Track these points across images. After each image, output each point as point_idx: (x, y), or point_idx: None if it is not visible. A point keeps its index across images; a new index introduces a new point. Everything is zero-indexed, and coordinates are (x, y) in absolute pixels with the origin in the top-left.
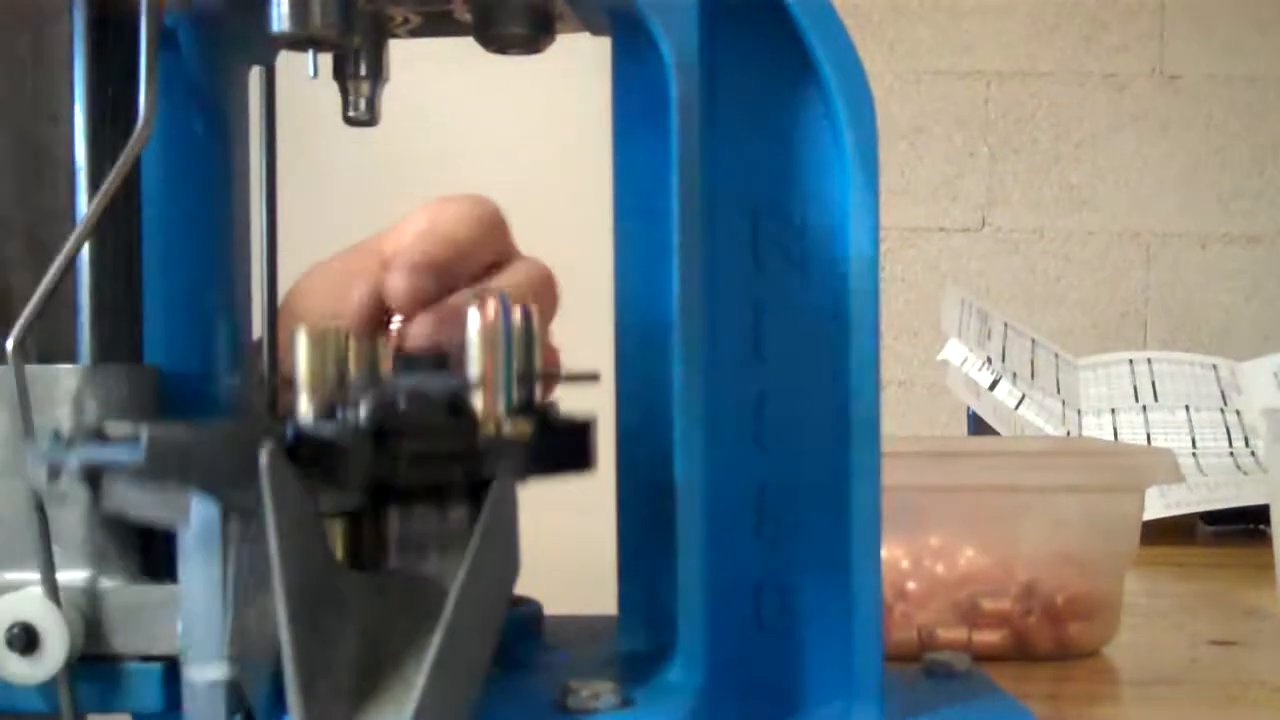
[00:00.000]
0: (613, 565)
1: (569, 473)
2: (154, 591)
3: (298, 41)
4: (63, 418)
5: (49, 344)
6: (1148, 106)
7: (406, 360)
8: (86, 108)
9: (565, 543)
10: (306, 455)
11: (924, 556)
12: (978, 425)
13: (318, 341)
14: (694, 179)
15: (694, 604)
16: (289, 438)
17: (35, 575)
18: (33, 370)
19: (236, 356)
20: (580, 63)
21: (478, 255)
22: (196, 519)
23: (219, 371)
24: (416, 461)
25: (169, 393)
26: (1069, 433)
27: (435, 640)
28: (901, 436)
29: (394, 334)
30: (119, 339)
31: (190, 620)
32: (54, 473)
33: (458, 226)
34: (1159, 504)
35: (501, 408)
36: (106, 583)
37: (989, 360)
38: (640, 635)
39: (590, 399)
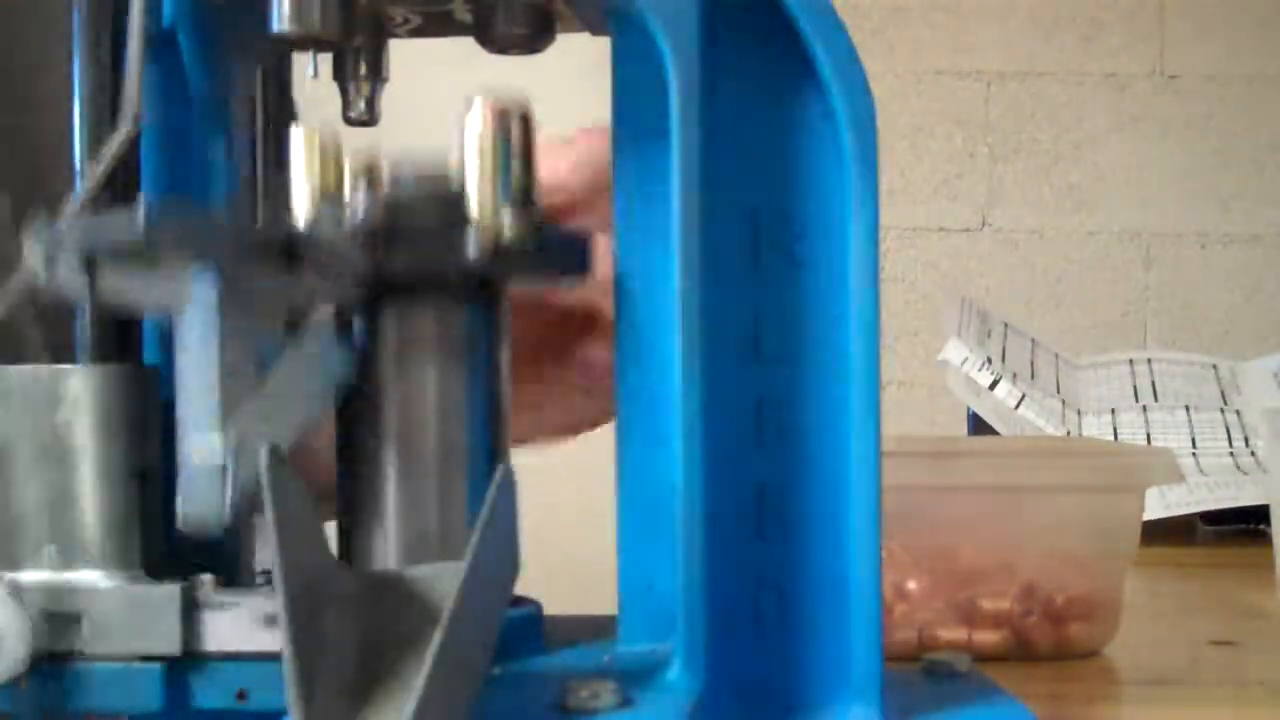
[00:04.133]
0: (613, 565)
1: (567, 277)
2: (154, 591)
3: (298, 41)
4: (61, 423)
5: (49, 344)
6: (1148, 106)
7: (403, 167)
8: (86, 108)
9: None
10: (304, 255)
11: (924, 556)
12: (978, 425)
13: (313, 143)
14: (694, 179)
15: (694, 604)
16: (285, 236)
17: (35, 575)
18: (33, 370)
19: None
20: (580, 63)
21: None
22: (195, 302)
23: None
24: (411, 260)
25: (168, 393)
26: (1069, 433)
27: (435, 640)
28: (901, 436)
29: None
30: (119, 339)
31: (187, 405)
32: (52, 260)
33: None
34: (1159, 504)
35: (499, 210)
36: (106, 583)
37: (989, 360)
38: (640, 635)
39: None
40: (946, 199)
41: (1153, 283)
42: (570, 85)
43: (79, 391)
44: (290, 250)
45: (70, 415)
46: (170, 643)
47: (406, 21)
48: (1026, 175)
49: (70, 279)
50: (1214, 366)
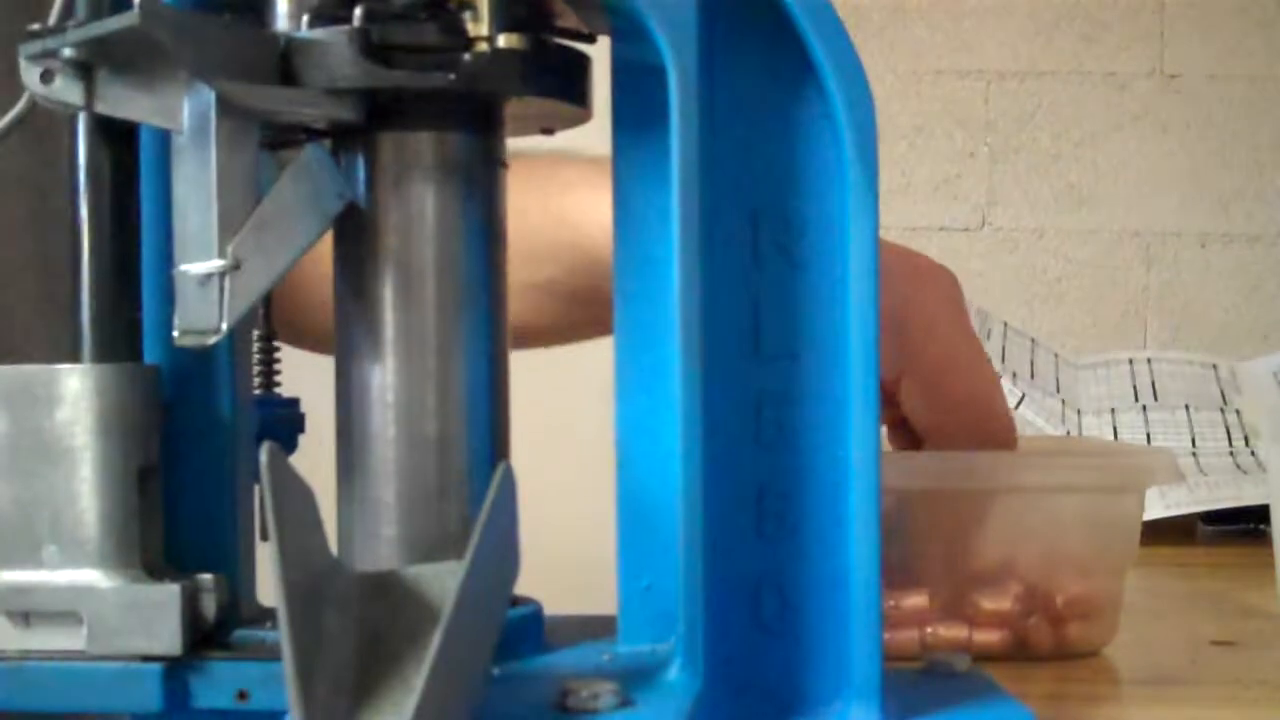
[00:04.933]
0: (613, 565)
1: (562, 99)
2: (154, 591)
3: None
4: (61, 422)
5: (49, 344)
6: (1148, 106)
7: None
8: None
9: (565, 543)
10: (301, 62)
11: (924, 557)
12: None
13: None
14: (694, 179)
15: (694, 604)
16: (283, 44)
17: (37, 576)
18: (33, 370)
19: (236, 356)
20: None
21: None
22: (189, 117)
23: (218, 371)
24: (404, 60)
25: (169, 393)
26: (1069, 432)
27: (435, 640)
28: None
29: None
30: (119, 339)
31: (184, 220)
32: (48, 73)
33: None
34: (1159, 504)
35: (495, 22)
36: (106, 583)
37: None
38: (640, 635)
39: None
40: (946, 199)
41: (1153, 283)
42: None
43: (79, 391)
44: (286, 60)
45: (70, 415)
46: (170, 643)
47: None
48: (1026, 175)
49: (67, 89)
50: (1214, 366)
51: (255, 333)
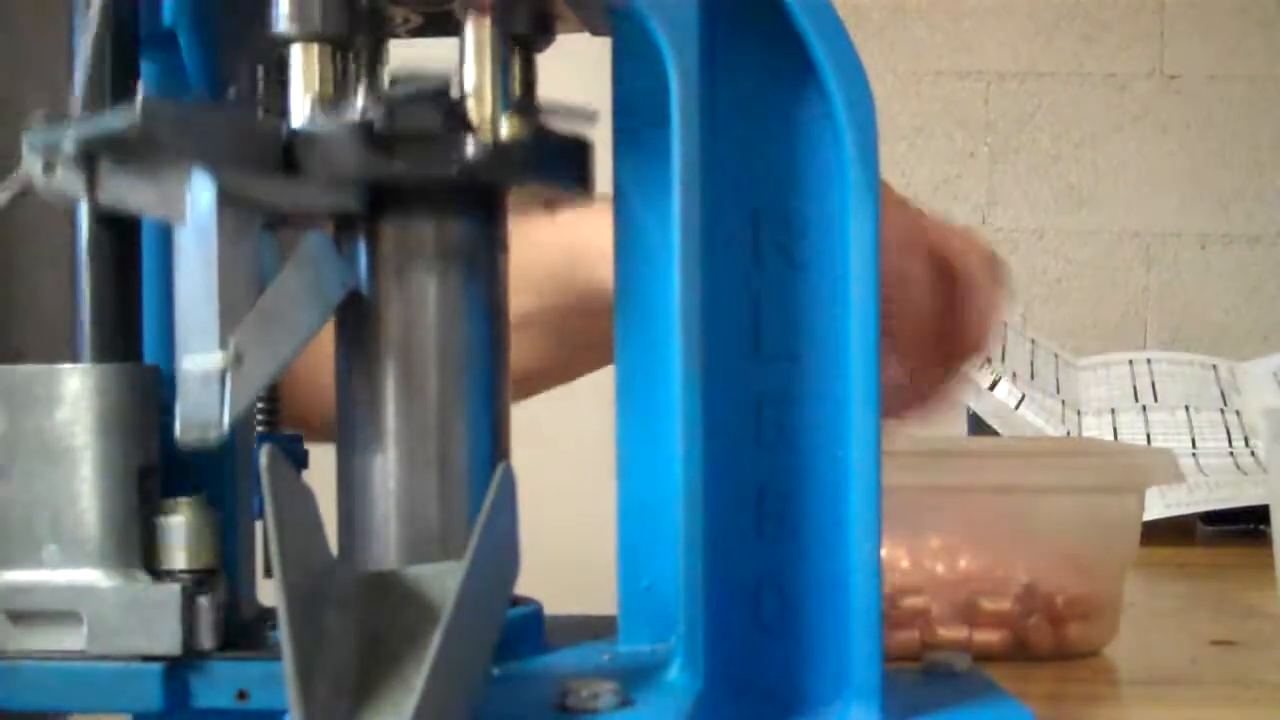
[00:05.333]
0: (613, 565)
1: (564, 184)
2: (154, 591)
3: (298, 41)
4: (61, 422)
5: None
6: (1148, 106)
7: (403, 76)
8: (86, 108)
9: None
10: (302, 154)
11: (924, 556)
12: (978, 425)
13: (311, 53)
14: (694, 179)
15: (694, 604)
16: (285, 134)
17: (37, 575)
18: (33, 370)
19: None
20: (580, 63)
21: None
22: (191, 209)
23: None
24: (410, 156)
25: (169, 393)
26: (1069, 433)
27: (435, 640)
28: (901, 436)
29: None
30: (119, 339)
31: (185, 314)
32: (49, 162)
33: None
34: (1159, 504)
35: (498, 111)
36: (106, 583)
37: (988, 360)
38: (640, 635)
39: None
40: (946, 199)
41: (1153, 283)
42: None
43: (79, 391)
44: (289, 151)
45: (70, 415)
46: (170, 643)
47: (406, 21)
48: (1026, 175)
49: (69, 180)
50: (1214, 367)
51: None
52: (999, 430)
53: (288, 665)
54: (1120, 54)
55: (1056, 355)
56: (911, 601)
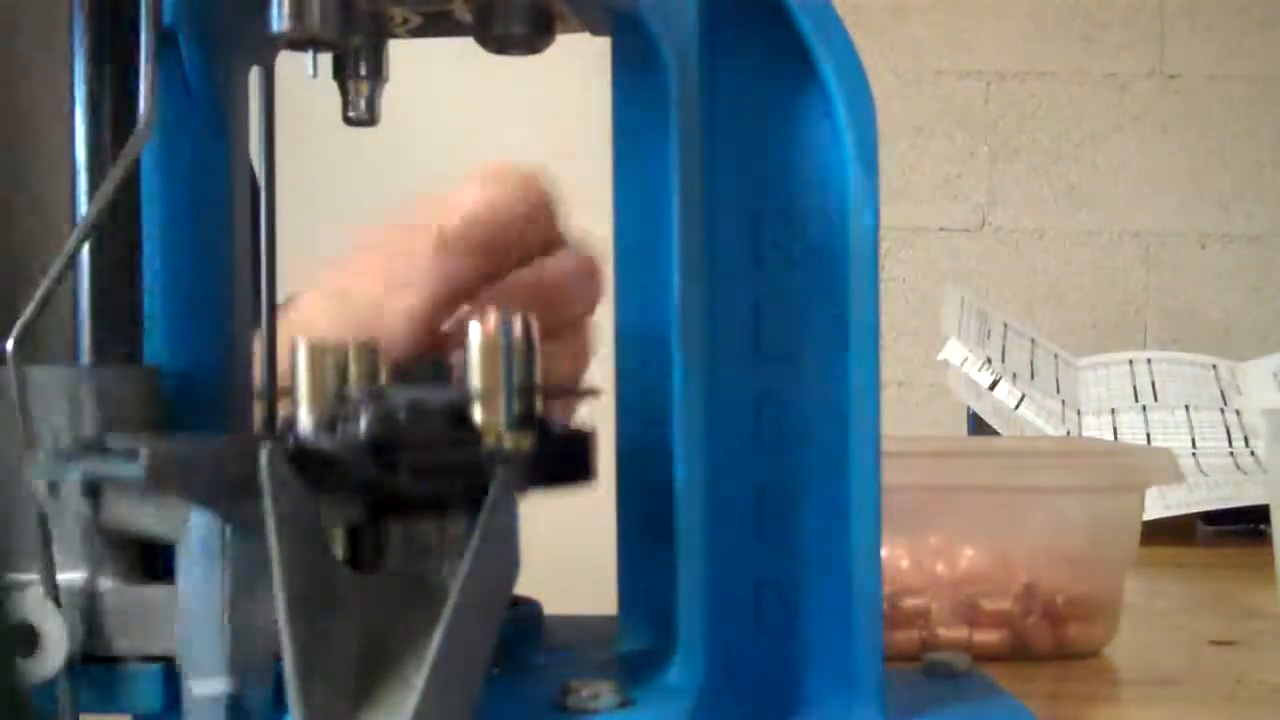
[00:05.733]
0: (613, 565)
1: (569, 485)
2: (153, 592)
3: (298, 41)
4: (61, 423)
5: (49, 344)
6: (1148, 106)
7: (405, 373)
8: (86, 109)
9: (565, 543)
10: (306, 468)
11: (924, 556)
12: (978, 425)
13: (316, 353)
14: (694, 179)
15: (694, 604)
16: (289, 451)
17: (37, 575)
18: (32, 370)
19: (237, 356)
20: (580, 63)
21: (528, 240)
22: (195, 532)
23: (219, 371)
24: (416, 474)
25: (169, 393)
26: (1069, 433)
27: (435, 640)
28: (901, 436)
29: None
30: (119, 339)
31: (189, 633)
32: (54, 486)
33: (510, 211)
34: (1159, 504)
35: (502, 421)
36: (106, 583)
37: (989, 360)
38: (640, 635)
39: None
40: (946, 199)
41: (1153, 283)
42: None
43: (79, 391)
44: (295, 465)
45: (70, 415)
46: (170, 643)
47: (406, 21)
48: (1026, 175)
49: (74, 502)
50: (1214, 367)
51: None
52: (999, 430)
53: (288, 665)
54: (1120, 54)
55: (1056, 355)
56: (911, 601)
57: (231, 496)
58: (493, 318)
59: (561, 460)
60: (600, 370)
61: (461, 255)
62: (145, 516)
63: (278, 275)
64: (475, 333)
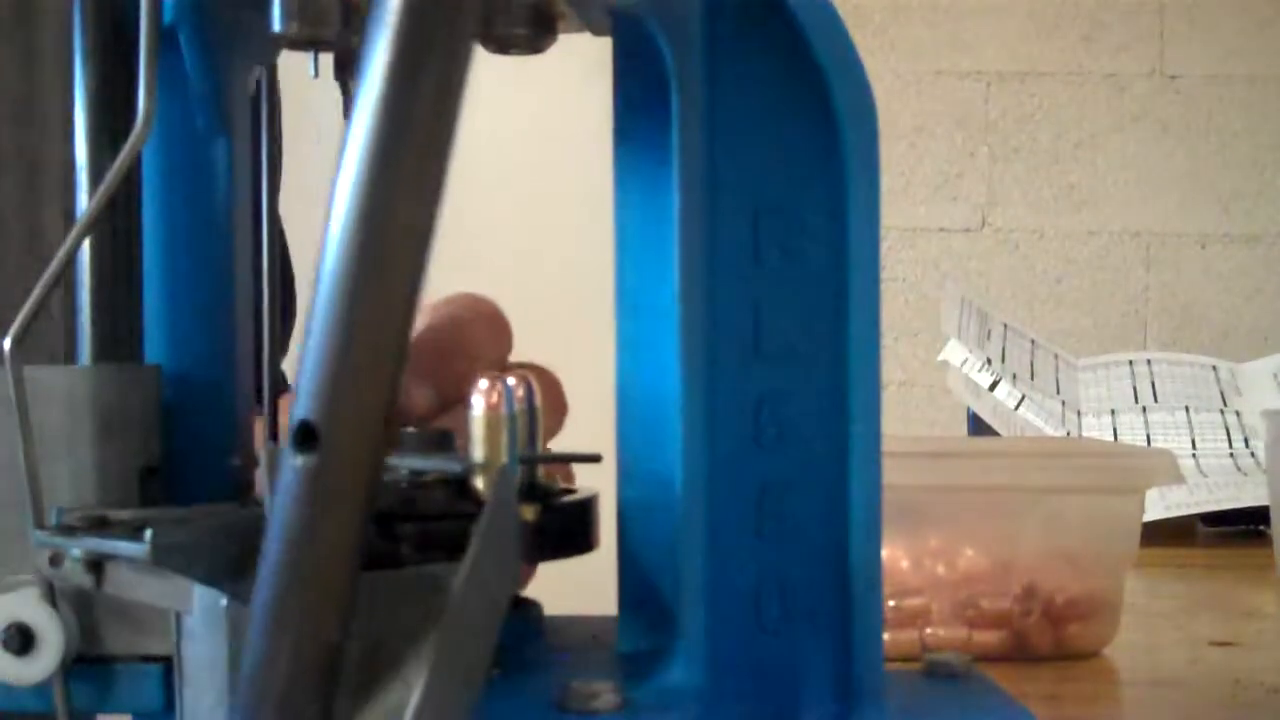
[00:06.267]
0: (613, 565)
1: (572, 554)
2: None
3: (298, 41)
4: (61, 423)
5: (48, 344)
6: (1148, 106)
7: (409, 439)
8: (86, 108)
9: None
10: None
11: (924, 556)
12: (978, 425)
13: None
14: (695, 179)
15: (694, 604)
16: None
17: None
18: (32, 370)
19: (237, 356)
20: (580, 63)
21: (483, 361)
22: (199, 605)
23: (219, 371)
24: (418, 545)
25: (169, 393)
26: (1069, 433)
27: (435, 640)
28: (901, 436)
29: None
30: (119, 339)
31: (193, 703)
32: (57, 559)
33: (463, 334)
34: (1159, 505)
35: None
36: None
37: (989, 361)
38: (640, 635)
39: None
40: (946, 199)
41: (1153, 283)
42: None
43: (79, 391)
44: None
45: (70, 415)
46: (170, 643)
47: None
48: (1026, 175)
49: (76, 572)
50: (1214, 368)
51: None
52: (999, 430)
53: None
54: (1120, 54)
55: (1056, 356)
56: (911, 601)
57: (236, 574)
58: (496, 389)
59: (564, 529)
60: (602, 370)
61: (416, 387)
62: (148, 588)
63: (278, 275)
64: (478, 404)
